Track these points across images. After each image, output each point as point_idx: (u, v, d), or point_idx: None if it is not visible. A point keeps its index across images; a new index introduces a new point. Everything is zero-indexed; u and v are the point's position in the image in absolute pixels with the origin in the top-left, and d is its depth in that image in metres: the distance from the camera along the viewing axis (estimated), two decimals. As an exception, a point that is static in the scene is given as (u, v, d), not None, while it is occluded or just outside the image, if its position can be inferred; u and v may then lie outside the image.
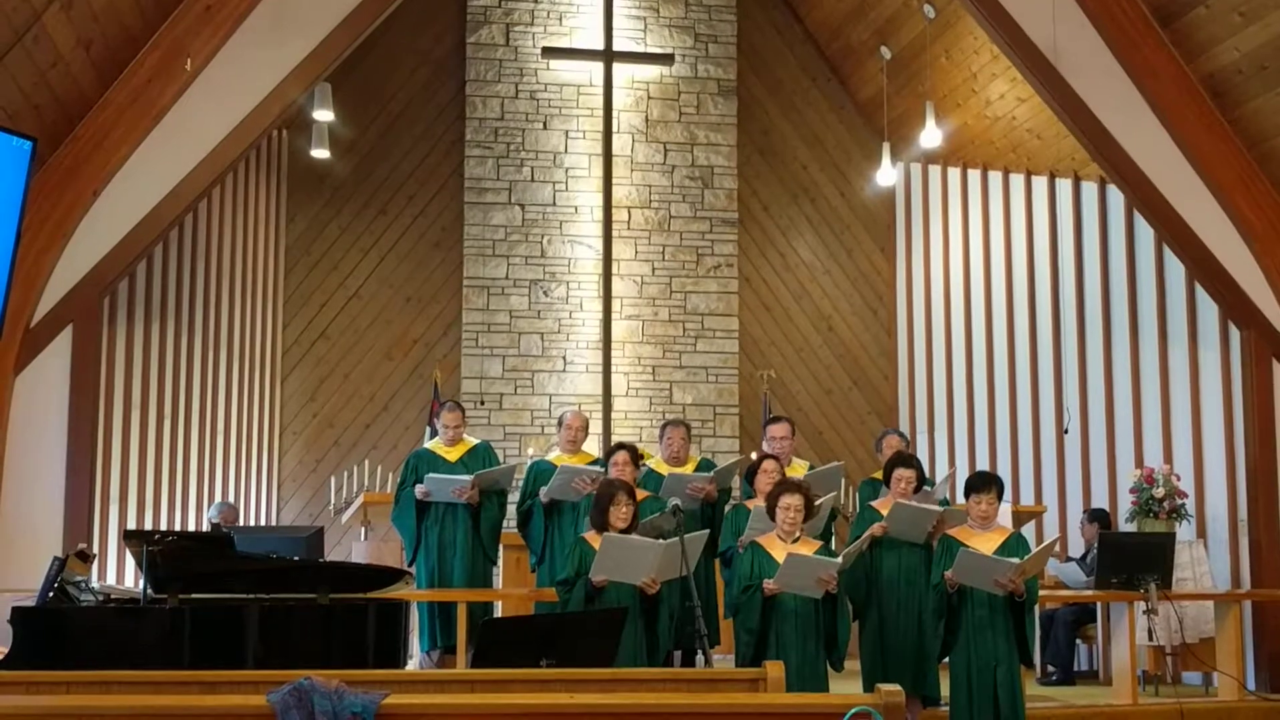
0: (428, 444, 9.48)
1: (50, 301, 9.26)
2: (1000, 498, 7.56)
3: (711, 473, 8.67)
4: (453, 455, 9.13)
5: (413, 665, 8.78)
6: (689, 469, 8.72)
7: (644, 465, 9.00)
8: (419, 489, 8.83)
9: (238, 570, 6.79)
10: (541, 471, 8.80)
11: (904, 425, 13.44)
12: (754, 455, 8.66)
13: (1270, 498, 10.15)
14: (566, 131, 13.39)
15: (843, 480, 9.85)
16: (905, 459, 8.26)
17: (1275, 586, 9.99)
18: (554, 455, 9.11)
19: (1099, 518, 10.65)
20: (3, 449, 9.00)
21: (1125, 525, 10.37)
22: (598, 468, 8.56)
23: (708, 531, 7.92)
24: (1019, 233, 12.45)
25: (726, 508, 8.54)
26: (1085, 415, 11.60)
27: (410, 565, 8.90)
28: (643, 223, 13.40)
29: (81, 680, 5.26)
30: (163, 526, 10.68)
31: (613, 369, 13.11)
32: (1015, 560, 7.15)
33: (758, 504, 7.83)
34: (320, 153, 12.72)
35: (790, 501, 7.33)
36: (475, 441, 9.32)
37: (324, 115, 12.24)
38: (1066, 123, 10.29)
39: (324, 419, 13.08)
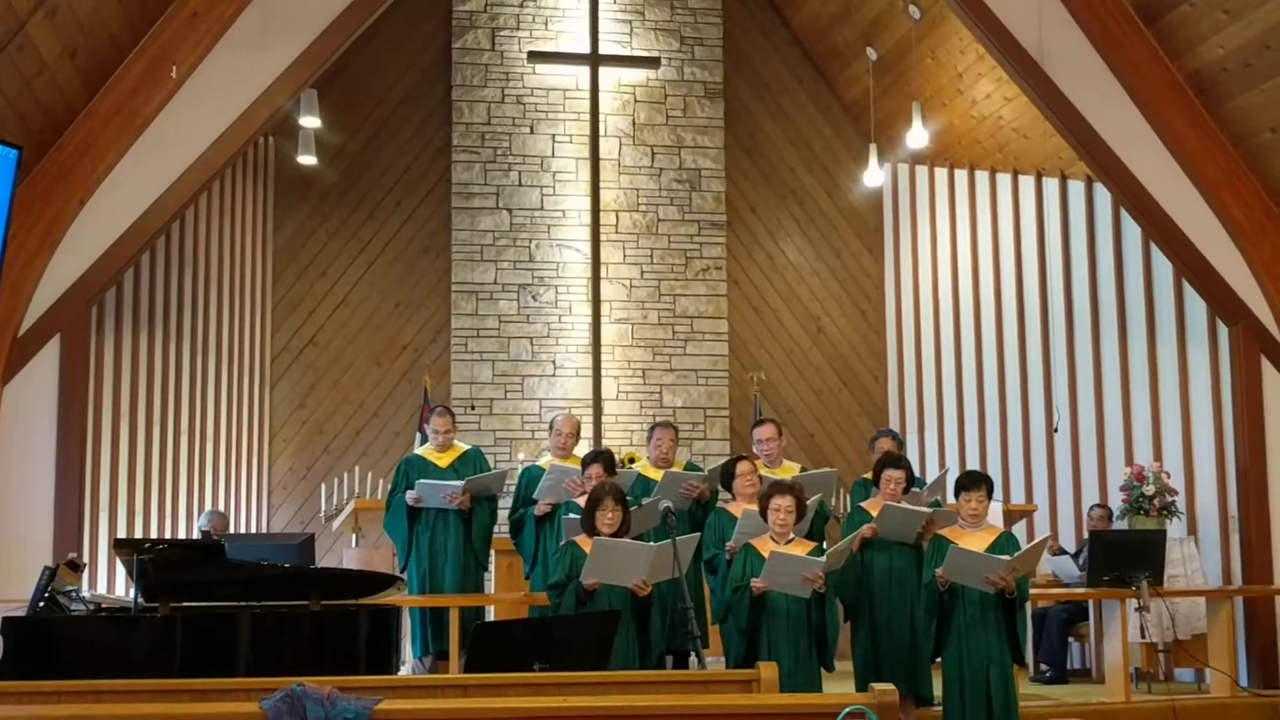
0: (419, 450, 9.47)
1: (38, 311, 9.23)
2: (990, 496, 7.57)
3: (705, 472, 8.68)
4: (444, 461, 9.14)
5: (405, 671, 8.76)
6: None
7: (630, 468, 9.00)
8: (410, 495, 8.82)
9: (229, 578, 6.78)
10: (533, 478, 8.78)
11: (894, 425, 13.45)
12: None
13: (1260, 493, 10.17)
14: (553, 136, 13.39)
15: (837, 486, 9.84)
16: (894, 460, 8.26)
17: (1266, 582, 10.02)
18: (545, 460, 9.10)
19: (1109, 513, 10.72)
20: (-9, 459, 8.98)
21: (1116, 523, 10.40)
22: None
23: (699, 535, 7.92)
24: (1006, 232, 12.47)
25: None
26: (1075, 414, 11.63)
27: (402, 571, 8.89)
28: (631, 226, 13.40)
29: (73, 689, 5.24)
30: (153, 535, 10.65)
31: (602, 373, 13.10)
32: (1006, 558, 7.16)
33: (748, 508, 7.82)
34: (307, 159, 12.70)
35: (781, 503, 7.34)
36: (466, 447, 9.33)
37: (311, 121, 12.23)
38: (1053, 122, 10.31)
39: (314, 425, 13.06)
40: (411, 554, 8.95)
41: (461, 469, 9.06)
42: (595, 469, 8.15)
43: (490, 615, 9.34)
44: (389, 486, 9.28)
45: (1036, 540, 7.66)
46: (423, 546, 8.92)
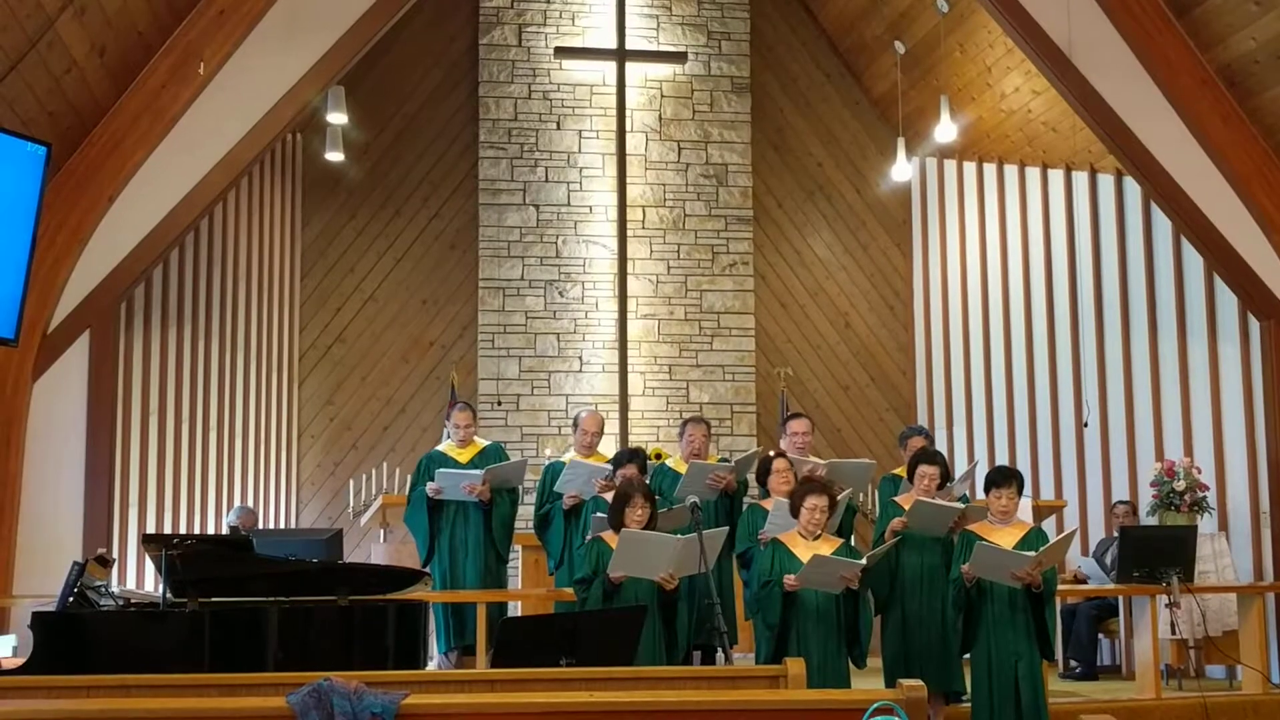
0: (440, 446, 9.48)
1: (67, 307, 9.29)
2: (1020, 493, 7.55)
3: (732, 463, 8.66)
4: (465, 456, 9.14)
5: (431, 667, 8.78)
6: (708, 466, 8.71)
7: (658, 463, 8.98)
8: (431, 486, 8.83)
9: (257, 573, 6.79)
10: (557, 474, 8.78)
11: (922, 421, 13.39)
12: (770, 452, 8.63)
13: (1292, 489, 10.11)
14: (580, 131, 13.38)
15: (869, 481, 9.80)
16: (929, 455, 8.22)
17: (1298, 578, 9.96)
18: (569, 456, 9.09)
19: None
20: (21, 455, 9.03)
21: (1146, 519, 10.33)
22: (610, 467, 8.56)
23: (727, 529, 7.90)
24: (1036, 226, 12.40)
25: (744, 504, 8.53)
26: (1105, 408, 11.55)
27: (425, 565, 8.90)
28: (657, 221, 13.38)
29: (102, 684, 5.26)
30: (182, 530, 10.70)
31: (629, 369, 13.09)
32: (1031, 553, 7.13)
33: (780, 499, 7.81)
34: (335, 156, 12.73)
35: (816, 502, 7.35)
36: (486, 443, 9.33)
37: (338, 118, 12.24)
38: (1082, 115, 10.25)
39: (342, 422, 13.09)
40: (434, 551, 8.96)
41: (482, 465, 9.04)
42: (630, 469, 8.14)
43: (512, 611, 9.34)
44: (411, 481, 9.29)
45: (1063, 534, 7.62)
46: (443, 543, 8.93)
